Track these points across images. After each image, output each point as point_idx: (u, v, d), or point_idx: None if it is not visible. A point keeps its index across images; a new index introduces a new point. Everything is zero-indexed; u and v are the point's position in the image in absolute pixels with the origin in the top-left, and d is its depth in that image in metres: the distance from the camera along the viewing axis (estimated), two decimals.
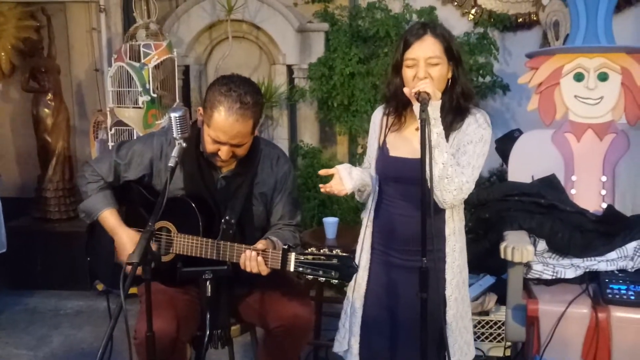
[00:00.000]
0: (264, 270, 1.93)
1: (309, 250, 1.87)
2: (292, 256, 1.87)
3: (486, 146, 1.95)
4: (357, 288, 2.08)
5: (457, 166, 1.86)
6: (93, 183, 2.17)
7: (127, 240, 2.08)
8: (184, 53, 4.12)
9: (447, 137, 1.90)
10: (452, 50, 1.92)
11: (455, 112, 1.95)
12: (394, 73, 2.00)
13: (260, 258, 1.91)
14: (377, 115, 2.13)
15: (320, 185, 1.94)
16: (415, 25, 1.98)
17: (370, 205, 2.08)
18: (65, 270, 4.02)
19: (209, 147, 2.01)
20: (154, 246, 2.00)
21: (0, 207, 3.62)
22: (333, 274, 1.82)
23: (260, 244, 1.98)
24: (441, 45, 1.90)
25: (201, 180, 2.09)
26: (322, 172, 1.96)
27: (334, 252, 1.84)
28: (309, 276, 1.85)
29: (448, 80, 1.95)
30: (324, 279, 1.83)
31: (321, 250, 1.85)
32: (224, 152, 1.99)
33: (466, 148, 1.91)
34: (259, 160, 2.15)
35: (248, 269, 1.94)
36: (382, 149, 2.05)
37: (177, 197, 2.07)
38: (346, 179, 1.93)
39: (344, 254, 1.83)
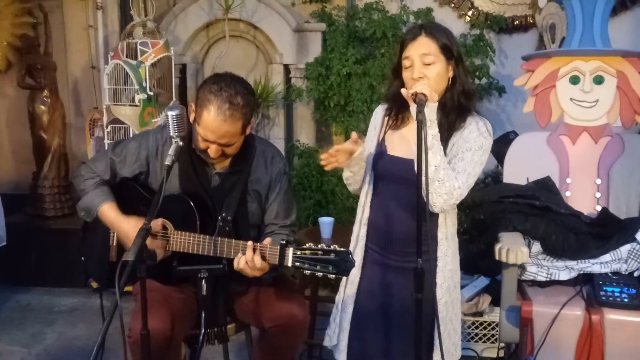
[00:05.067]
0: (263, 271, 1.92)
1: (307, 245, 1.85)
2: (290, 251, 1.86)
3: (485, 155, 1.95)
4: (350, 285, 2.07)
5: (451, 171, 1.86)
6: (90, 180, 2.16)
7: (129, 229, 2.03)
8: (181, 51, 4.12)
9: (449, 137, 1.91)
10: (450, 49, 1.93)
11: (457, 110, 1.95)
12: (394, 76, 2.01)
13: (257, 257, 1.89)
14: (380, 111, 2.13)
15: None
16: (413, 27, 1.99)
17: (364, 201, 2.08)
18: (59, 267, 4.02)
19: (200, 144, 2.01)
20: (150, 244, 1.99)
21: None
22: (330, 268, 1.80)
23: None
24: (436, 44, 1.91)
25: (195, 177, 2.09)
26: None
27: (332, 247, 1.83)
28: (307, 271, 1.83)
29: (449, 79, 1.96)
30: (321, 274, 1.81)
31: (319, 245, 1.84)
32: (212, 150, 1.99)
33: (464, 155, 1.91)
34: (253, 158, 2.15)
35: (248, 271, 1.91)
36: (381, 146, 2.06)
37: (174, 194, 2.07)
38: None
39: (342, 249, 1.82)
